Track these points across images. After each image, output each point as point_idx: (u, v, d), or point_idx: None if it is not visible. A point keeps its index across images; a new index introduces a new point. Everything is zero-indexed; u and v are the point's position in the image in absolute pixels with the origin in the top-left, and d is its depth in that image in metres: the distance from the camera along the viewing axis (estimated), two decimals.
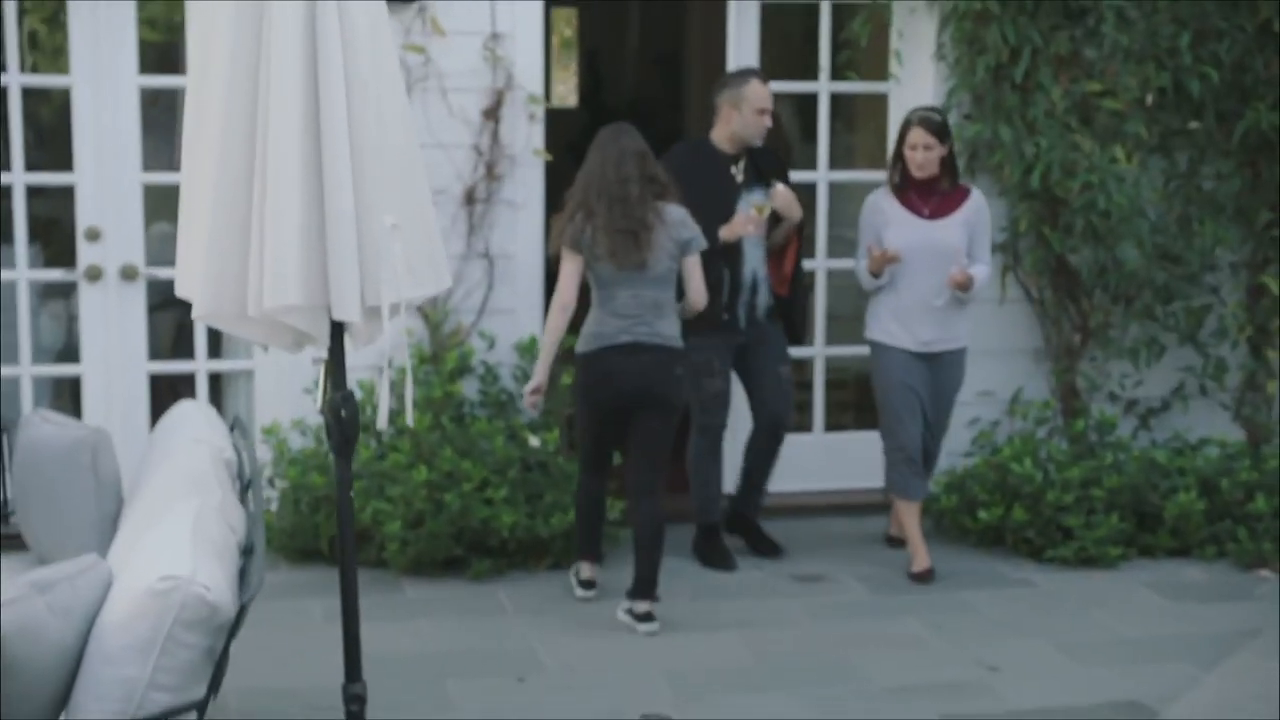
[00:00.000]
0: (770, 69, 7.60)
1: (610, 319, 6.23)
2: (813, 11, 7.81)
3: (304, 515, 6.99)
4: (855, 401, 8.55)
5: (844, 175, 8.13)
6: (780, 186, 6.91)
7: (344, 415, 4.31)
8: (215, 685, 3.66)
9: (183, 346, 7.79)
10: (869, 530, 7.62)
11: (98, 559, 3.79)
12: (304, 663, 5.72)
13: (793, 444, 7.44)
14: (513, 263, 7.42)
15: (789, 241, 7.13)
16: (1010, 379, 7.87)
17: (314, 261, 4.11)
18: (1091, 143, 7.37)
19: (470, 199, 7.31)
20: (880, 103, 8.01)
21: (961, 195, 6.92)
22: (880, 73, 7.88)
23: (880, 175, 7.97)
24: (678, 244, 6.23)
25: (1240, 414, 8.02)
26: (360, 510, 6.79)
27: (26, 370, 7.23)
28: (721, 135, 7.01)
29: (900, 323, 6.93)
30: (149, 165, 7.23)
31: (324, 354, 4.37)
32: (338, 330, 4.28)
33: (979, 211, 6.91)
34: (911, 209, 6.90)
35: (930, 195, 6.90)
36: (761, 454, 7.28)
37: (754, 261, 7.04)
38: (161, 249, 7.27)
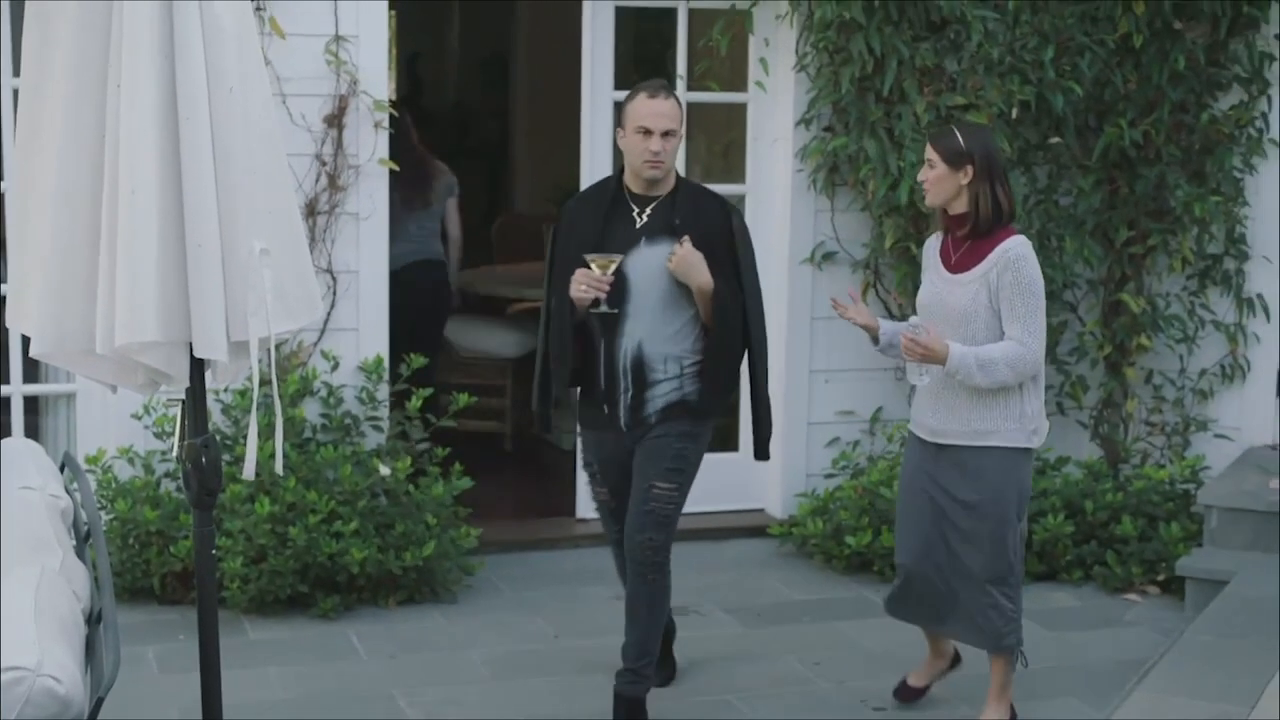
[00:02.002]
0: (623, 77, 7.15)
1: None
2: (669, 16, 7.35)
3: (134, 551, 6.35)
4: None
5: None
6: (682, 242, 5.16)
7: (205, 462, 3.73)
8: None
9: None
10: (730, 556, 7.17)
11: None
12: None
13: None
14: (356, 278, 6.85)
15: (709, 315, 5.24)
16: (870, 398, 7.50)
17: (173, 292, 3.53)
18: None
19: (311, 211, 6.70)
20: (739, 113, 7.56)
21: (994, 243, 5.10)
22: (739, 83, 7.44)
23: (733, 188, 7.58)
24: None
25: (1098, 432, 7.73)
26: None
27: None
28: (628, 171, 5.34)
29: (916, 403, 5.35)
30: None
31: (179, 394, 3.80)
32: (198, 367, 3.70)
33: (1006, 266, 5.02)
34: (944, 257, 5.24)
35: (959, 241, 5.18)
36: (630, 603, 5.36)
37: (639, 333, 5.23)
38: None
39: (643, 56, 7.94)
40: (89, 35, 3.54)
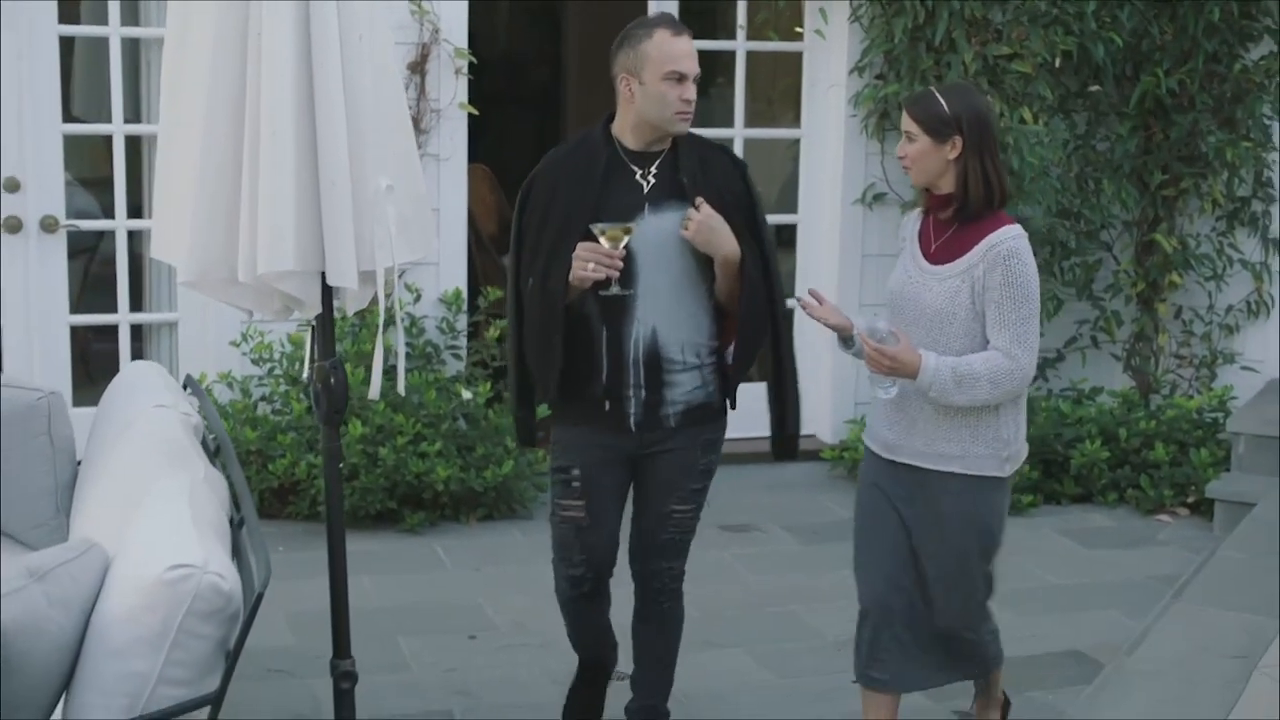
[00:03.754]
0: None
1: None
2: None
3: None
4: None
5: (758, 132, 7.75)
6: (699, 205, 4.08)
7: (333, 383, 3.88)
8: (227, 678, 3.22)
9: (91, 298, 7.25)
10: (785, 479, 7.29)
11: (91, 543, 3.32)
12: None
13: None
14: (438, 215, 6.95)
15: (732, 292, 4.17)
16: None
17: (308, 225, 3.67)
18: (1002, 104, 7.08)
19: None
20: (795, 61, 7.64)
21: (981, 232, 4.00)
22: (795, 33, 7.53)
23: (789, 132, 7.67)
24: None
25: (1130, 365, 7.84)
26: (294, 464, 6.34)
27: None
28: (623, 123, 4.17)
29: (873, 412, 4.27)
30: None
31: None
32: (328, 295, 3.84)
33: (996, 262, 3.95)
34: (923, 242, 4.14)
35: (943, 225, 4.08)
36: (640, 633, 4.57)
37: (651, 317, 4.14)
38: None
39: (701, 8, 8.00)
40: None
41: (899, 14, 7.08)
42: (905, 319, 4.06)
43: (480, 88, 7.19)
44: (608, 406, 4.19)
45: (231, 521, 3.70)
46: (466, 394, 6.58)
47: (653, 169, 4.17)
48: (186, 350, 6.86)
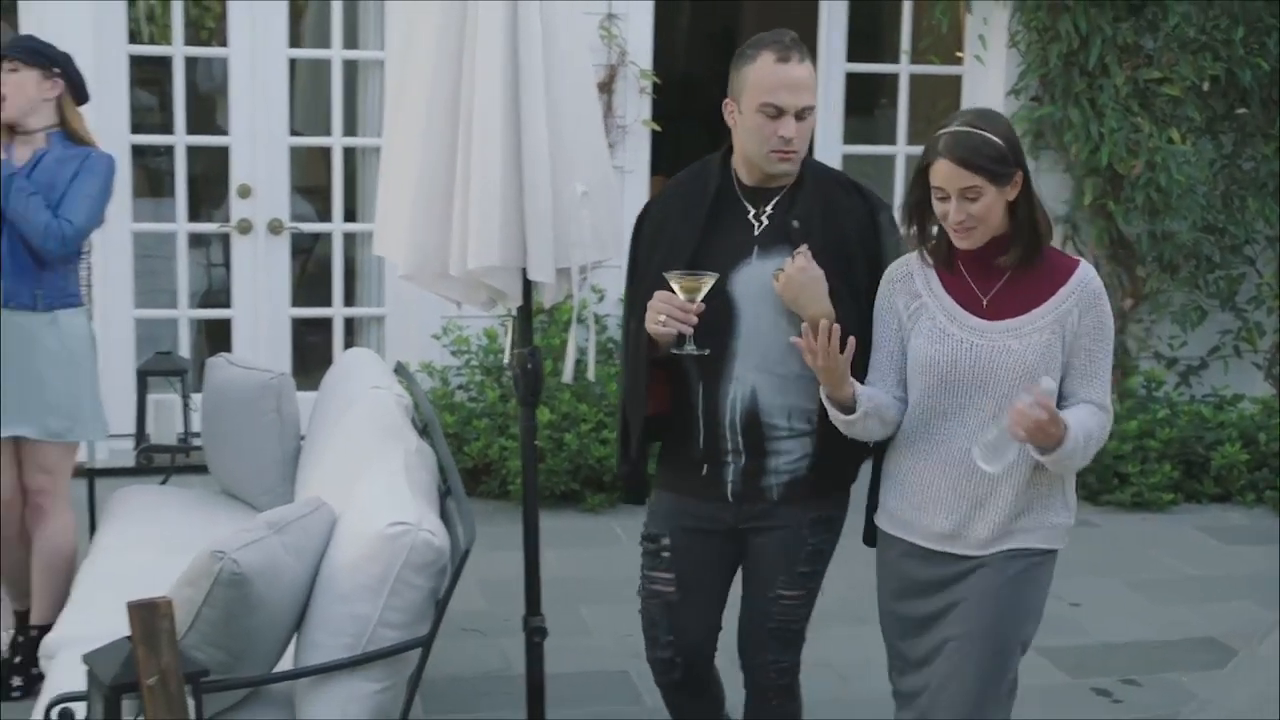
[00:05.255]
0: (853, 51, 7.38)
1: None
2: None
3: None
4: None
5: (919, 149, 7.82)
6: (795, 255, 3.41)
7: (530, 367, 4.07)
8: (437, 624, 3.43)
9: (307, 294, 7.57)
10: None
11: (322, 501, 3.56)
12: None
13: None
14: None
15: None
16: None
17: (513, 225, 3.86)
18: (1150, 125, 7.09)
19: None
20: (954, 84, 7.72)
21: (1056, 275, 3.29)
22: (953, 57, 7.60)
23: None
24: None
25: (1271, 373, 7.77)
26: (487, 447, 6.58)
27: (184, 313, 7.00)
28: (738, 155, 3.58)
29: (913, 497, 3.38)
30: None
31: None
32: (528, 289, 4.03)
33: (1090, 304, 3.27)
34: (959, 296, 3.31)
35: (986, 274, 3.30)
36: None
37: (752, 377, 3.51)
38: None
39: (868, 31, 8.11)
40: (448, 13, 3.88)
41: (1054, 40, 7.12)
42: (966, 391, 3.26)
43: (661, 105, 7.36)
44: (705, 471, 3.56)
45: (439, 490, 3.92)
46: None
47: (768, 208, 3.51)
48: (392, 342, 7.14)
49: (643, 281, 3.59)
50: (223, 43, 6.94)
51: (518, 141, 3.83)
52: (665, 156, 8.47)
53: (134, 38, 6.87)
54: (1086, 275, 3.29)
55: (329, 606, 3.33)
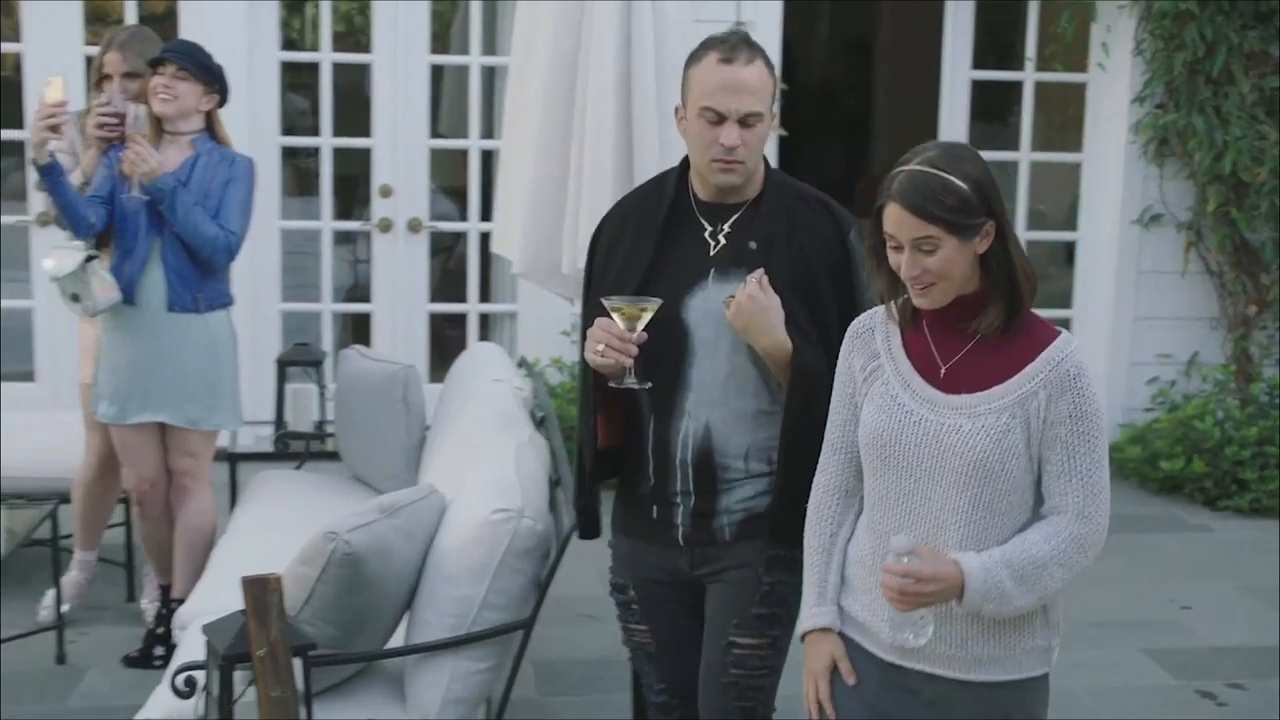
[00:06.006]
0: (979, 58, 7.30)
1: None
2: (1022, 5, 7.44)
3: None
4: None
5: (1042, 156, 7.72)
6: (747, 282, 2.96)
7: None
8: (538, 607, 3.48)
9: (446, 290, 7.69)
10: None
11: (433, 488, 3.63)
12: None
13: None
14: None
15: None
16: (1188, 343, 7.45)
17: None
18: (1275, 132, 6.92)
19: None
20: (1079, 91, 7.59)
21: (1027, 348, 2.65)
22: (1079, 65, 7.48)
23: (1072, 157, 7.61)
24: None
25: None
26: None
27: (327, 307, 7.16)
28: (692, 169, 3.15)
29: (862, 596, 2.78)
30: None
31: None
32: None
33: (1065, 385, 2.61)
34: (918, 360, 2.72)
35: (956, 335, 2.69)
36: None
37: (705, 412, 3.07)
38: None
39: (995, 40, 8.01)
40: (565, 21, 3.93)
41: (1179, 48, 6.98)
42: (912, 474, 2.65)
43: (796, 114, 7.34)
44: (655, 513, 3.13)
45: (550, 480, 3.98)
46: None
47: (726, 226, 3.06)
48: (524, 337, 7.22)
49: (594, 305, 3.10)
50: (367, 49, 7.08)
51: (629, 144, 3.87)
52: (804, 163, 8.48)
53: (288, 44, 7.03)
54: (1061, 353, 2.61)
55: (436, 588, 3.40)
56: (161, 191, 4.48)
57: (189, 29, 6.58)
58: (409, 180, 7.03)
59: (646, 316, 2.95)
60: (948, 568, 2.55)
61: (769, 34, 7.06)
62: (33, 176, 5.00)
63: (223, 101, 4.73)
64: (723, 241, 3.06)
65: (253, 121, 6.59)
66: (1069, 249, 7.69)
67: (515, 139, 4.06)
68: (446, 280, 8.12)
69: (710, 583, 3.14)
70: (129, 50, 4.76)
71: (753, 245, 3.03)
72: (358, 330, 7.50)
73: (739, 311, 2.95)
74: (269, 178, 6.74)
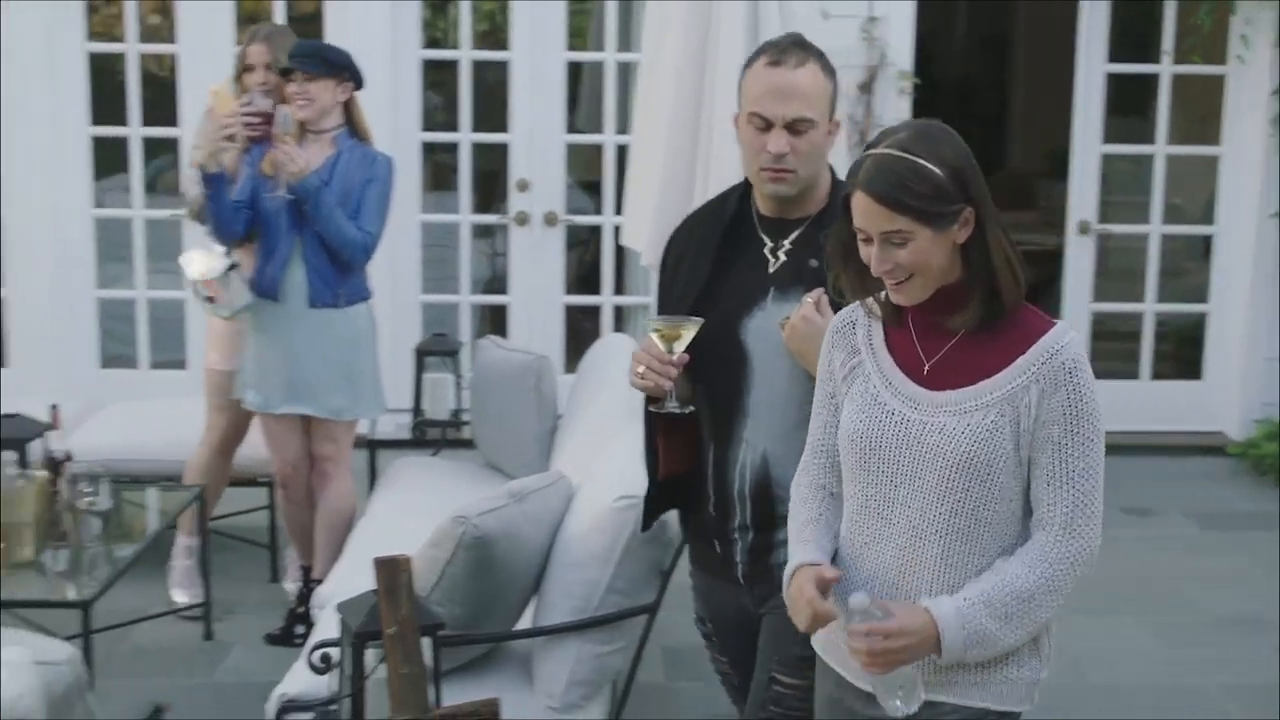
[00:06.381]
0: (1114, 53, 7.17)
1: None
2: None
3: None
4: (1175, 354, 7.96)
5: (1179, 149, 7.55)
6: (803, 303, 2.78)
7: None
8: (661, 593, 3.51)
9: (585, 282, 7.73)
10: (1189, 470, 7.10)
11: (561, 474, 3.67)
12: None
13: (1120, 389, 7.04)
14: None
15: None
16: None
17: None
18: None
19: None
20: (1217, 84, 7.41)
21: (1019, 340, 2.40)
22: (1218, 57, 7.30)
23: (1210, 150, 7.43)
24: None
25: None
26: None
27: (465, 299, 7.25)
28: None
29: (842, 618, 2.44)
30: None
31: None
32: None
33: (1059, 380, 2.36)
34: (901, 357, 2.48)
35: (940, 331, 2.45)
36: None
37: (763, 440, 2.89)
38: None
39: (1131, 33, 7.85)
40: (693, 19, 3.95)
41: None
42: (892, 480, 2.42)
43: (931, 109, 7.22)
44: (718, 548, 2.96)
45: None
46: None
47: (787, 242, 2.88)
48: None
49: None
50: (504, 46, 7.15)
51: None
52: None
53: (431, 43, 7.13)
54: (1055, 344, 2.36)
55: (563, 572, 3.44)
56: (307, 192, 4.57)
57: (334, 28, 6.70)
58: (545, 175, 7.09)
59: (687, 336, 2.77)
60: (917, 619, 2.31)
61: (901, 30, 7.00)
62: (186, 174, 5.13)
63: (358, 85, 4.79)
64: (783, 259, 2.88)
65: (394, 118, 6.70)
66: (1206, 243, 7.52)
67: (645, 134, 4.09)
68: (582, 272, 8.17)
69: (766, 615, 2.93)
70: (273, 43, 4.87)
71: (813, 263, 2.82)
72: (495, 321, 7.58)
73: (793, 334, 2.76)
74: (410, 173, 6.85)
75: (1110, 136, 7.30)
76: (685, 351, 2.77)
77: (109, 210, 7.15)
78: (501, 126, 7.09)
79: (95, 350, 7.12)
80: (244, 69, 4.91)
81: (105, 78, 7.00)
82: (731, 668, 3.12)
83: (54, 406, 4.67)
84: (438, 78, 7.65)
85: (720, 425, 2.89)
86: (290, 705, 3.39)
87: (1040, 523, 2.38)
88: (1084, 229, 7.34)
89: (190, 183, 4.93)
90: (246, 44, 4.95)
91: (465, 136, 7.06)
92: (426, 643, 2.91)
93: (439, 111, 8.06)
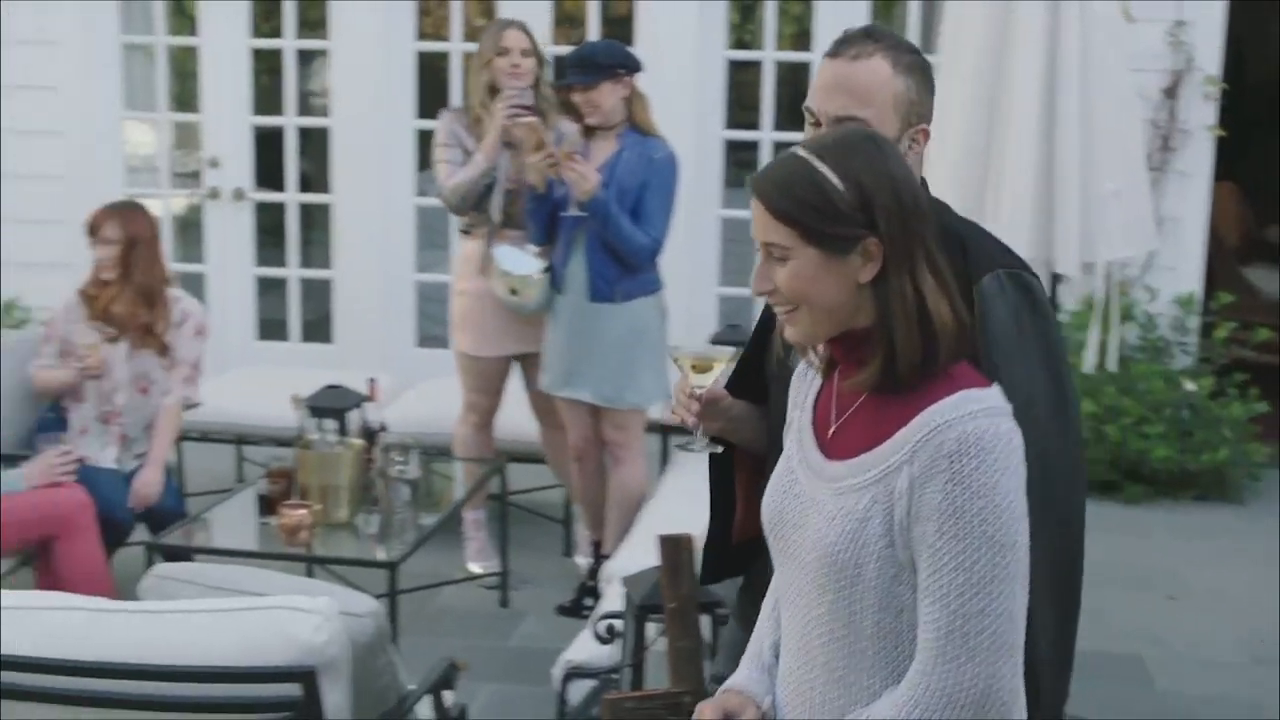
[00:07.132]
0: None
1: None
2: None
3: None
4: None
5: None
6: None
7: None
8: None
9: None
10: None
11: None
12: None
13: None
14: (1179, 225, 6.85)
15: None
16: None
17: (1041, 221, 3.83)
18: None
19: (1146, 166, 6.76)
20: None
21: (913, 404, 1.85)
22: None
23: None
24: None
25: None
26: None
27: None
28: None
29: (783, 709, 2.06)
30: None
31: None
32: (1053, 283, 3.99)
33: (932, 462, 1.79)
34: (820, 415, 2.01)
35: (849, 387, 1.95)
36: None
37: None
38: None
39: None
40: (991, 19, 3.89)
41: None
42: (791, 564, 1.99)
43: (1243, 112, 6.94)
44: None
45: None
46: (1190, 386, 6.47)
47: None
48: None
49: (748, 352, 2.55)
50: (806, 47, 7.16)
51: (1050, 145, 3.80)
52: (1246, 162, 8.08)
53: (739, 44, 7.20)
54: (939, 418, 1.82)
55: None
56: (598, 207, 4.69)
57: (644, 30, 6.82)
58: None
59: (718, 369, 2.43)
60: None
61: (1210, 32, 6.72)
62: (439, 165, 5.20)
63: (634, 72, 4.82)
64: None
65: (699, 117, 6.78)
66: None
67: (940, 136, 4.04)
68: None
69: None
70: (527, 29, 5.00)
71: None
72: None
73: None
74: (713, 169, 6.93)
75: None
76: (724, 388, 2.46)
77: (430, 200, 7.45)
78: (799, 126, 7.08)
79: (412, 330, 7.43)
80: (491, 57, 4.97)
81: (429, 75, 7.29)
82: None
83: (372, 380, 4.92)
84: (744, 78, 7.70)
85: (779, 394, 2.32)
86: (575, 672, 3.49)
87: (918, 649, 1.83)
88: None
89: (445, 174, 5.05)
90: (497, 32, 5.03)
91: (766, 135, 7.09)
92: (705, 619, 2.96)
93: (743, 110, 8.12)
